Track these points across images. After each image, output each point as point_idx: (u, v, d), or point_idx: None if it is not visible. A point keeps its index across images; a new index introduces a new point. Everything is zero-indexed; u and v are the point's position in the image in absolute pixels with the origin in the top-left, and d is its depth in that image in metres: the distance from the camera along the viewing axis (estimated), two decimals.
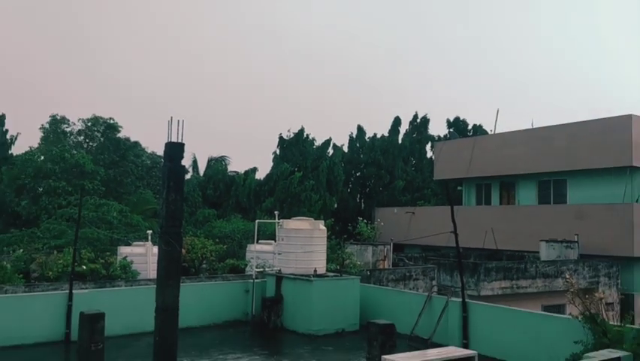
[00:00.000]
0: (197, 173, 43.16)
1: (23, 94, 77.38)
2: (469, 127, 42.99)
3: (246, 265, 18.64)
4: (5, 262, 17.88)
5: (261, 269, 15.74)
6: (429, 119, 43.31)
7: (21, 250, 18.85)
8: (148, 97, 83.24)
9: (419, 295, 14.46)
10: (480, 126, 42.39)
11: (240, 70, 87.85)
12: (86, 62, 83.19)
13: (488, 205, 31.51)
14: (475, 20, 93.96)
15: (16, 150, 39.64)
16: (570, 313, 10.05)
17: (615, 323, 9.29)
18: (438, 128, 44.49)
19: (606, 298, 10.73)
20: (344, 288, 14.25)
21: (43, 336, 12.12)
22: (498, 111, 48.17)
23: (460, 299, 12.33)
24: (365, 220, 25.95)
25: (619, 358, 7.43)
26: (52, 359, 11.49)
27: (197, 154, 44.23)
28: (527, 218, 27.25)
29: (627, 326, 8.97)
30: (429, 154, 42.12)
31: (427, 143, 42.68)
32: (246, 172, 38.80)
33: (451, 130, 42.01)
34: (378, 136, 41.75)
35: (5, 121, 40.72)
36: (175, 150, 8.56)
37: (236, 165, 46.83)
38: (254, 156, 75.79)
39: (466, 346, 11.08)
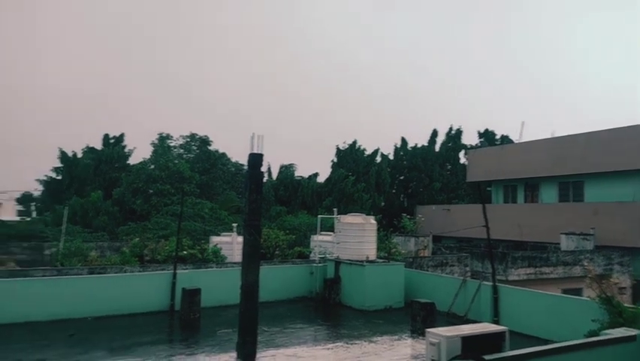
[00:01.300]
0: (271, 177, 43.78)
1: (138, 117, 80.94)
2: (497, 137, 41.70)
3: (311, 252, 18.68)
4: (125, 248, 18.72)
5: (323, 255, 15.74)
6: (462, 131, 42.30)
7: (137, 239, 19.62)
8: (232, 111, 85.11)
9: (455, 278, 14.10)
10: (507, 136, 41.07)
11: (306, 88, 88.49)
12: (183, 88, 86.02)
13: (515, 203, 30.41)
14: (506, 43, 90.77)
15: (133, 160, 41.55)
16: (588, 296, 9.54)
17: (629, 305, 8.74)
18: (470, 138, 43.41)
19: (620, 283, 10.11)
20: (391, 272, 14.08)
21: (154, 306, 12.56)
22: (523, 123, 46.49)
23: (491, 283, 11.93)
24: (408, 216, 25.56)
25: (634, 336, 6.99)
26: (161, 324, 11.85)
27: (271, 162, 44.80)
28: (549, 214, 26.12)
29: None
30: (462, 160, 41.12)
31: (461, 151, 41.67)
32: (310, 177, 39.09)
33: (482, 140, 40.87)
34: (419, 146, 41.16)
35: (125, 138, 42.75)
36: (256, 159, 8.69)
37: (302, 171, 47.12)
38: (315, 163, 76.45)
39: (496, 323, 10.69)
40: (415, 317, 11.13)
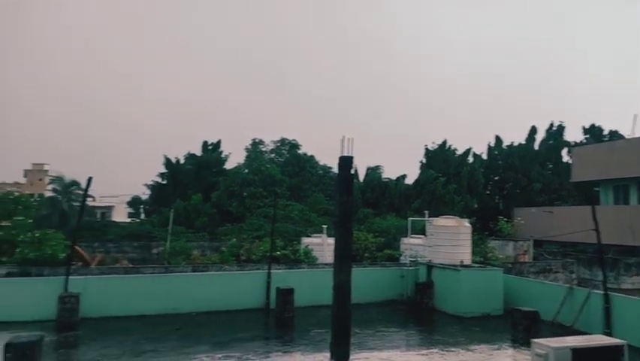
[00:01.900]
0: (358, 179, 43.87)
1: (234, 124, 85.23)
2: (605, 132, 38.29)
3: (400, 254, 18.44)
4: (223, 248, 19.78)
5: (414, 259, 15.49)
6: (564, 127, 39.38)
7: (234, 239, 20.59)
8: (321, 113, 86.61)
9: (560, 286, 13.15)
10: (616, 132, 37.53)
11: (397, 87, 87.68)
12: (276, 93, 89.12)
13: (627, 205, 27.71)
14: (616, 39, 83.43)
15: (229, 165, 43.85)
16: None
17: None
18: (573, 134, 40.28)
19: None
20: (488, 277, 13.47)
21: (250, 304, 13.11)
22: (635, 117, 42.13)
23: (602, 291, 10.98)
24: (504, 219, 24.28)
25: None
26: (257, 321, 12.33)
27: (358, 164, 44.81)
28: None
29: None
30: (565, 158, 38.27)
31: (563, 148, 38.79)
32: (397, 178, 38.59)
33: (587, 136, 37.79)
34: (515, 144, 38.98)
35: (221, 144, 45.29)
36: (346, 162, 8.83)
37: (389, 172, 46.66)
38: (402, 164, 75.34)
39: (608, 335, 9.83)
40: (516, 325, 10.57)
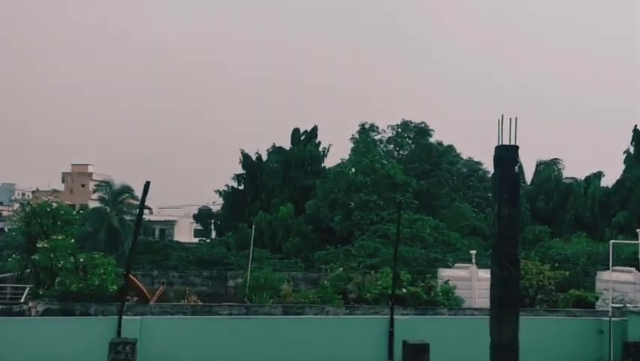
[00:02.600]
0: (524, 181, 42.34)
1: (337, 101, 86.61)
2: None
3: (597, 298, 17.59)
4: (324, 281, 20.09)
5: (620, 305, 14.63)
6: None
7: (339, 269, 20.82)
8: (464, 85, 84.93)
9: None
10: None
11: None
12: (405, 62, 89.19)
13: None
14: None
15: (329, 162, 44.56)
16: None
17: None
18: None
19: None
20: None
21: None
22: None
23: None
24: None
25: None
26: None
27: (523, 157, 43.34)
28: None
29: None
30: None
31: None
32: (587, 178, 36.72)
33: None
34: None
35: (318, 132, 46.05)
36: (507, 154, 8.50)
37: (573, 170, 44.63)
38: (594, 155, 71.22)
39: None
40: None
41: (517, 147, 8.40)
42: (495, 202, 8.41)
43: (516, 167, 8.85)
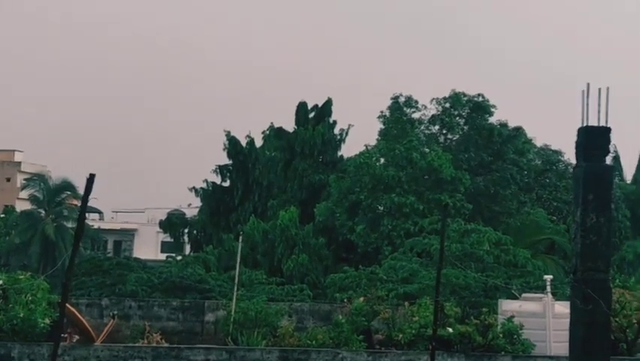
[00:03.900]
0: (621, 177, 42.16)
1: (358, 65, 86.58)
2: None
3: None
4: (339, 316, 20.02)
5: None
6: None
7: (360, 299, 20.75)
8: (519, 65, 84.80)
9: None
10: None
11: None
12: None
13: None
14: None
15: (347, 150, 44.44)
16: None
17: None
18: None
19: None
20: None
21: None
22: None
23: None
24: None
25: None
26: None
27: (618, 144, 42.80)
28: None
29: None
30: None
31: None
32: None
33: None
34: None
35: (332, 108, 45.77)
36: (594, 139, 8.44)
37: None
38: None
39: None
40: None
41: (608, 129, 8.34)
42: (577, 208, 8.36)
43: (608, 158, 8.76)
